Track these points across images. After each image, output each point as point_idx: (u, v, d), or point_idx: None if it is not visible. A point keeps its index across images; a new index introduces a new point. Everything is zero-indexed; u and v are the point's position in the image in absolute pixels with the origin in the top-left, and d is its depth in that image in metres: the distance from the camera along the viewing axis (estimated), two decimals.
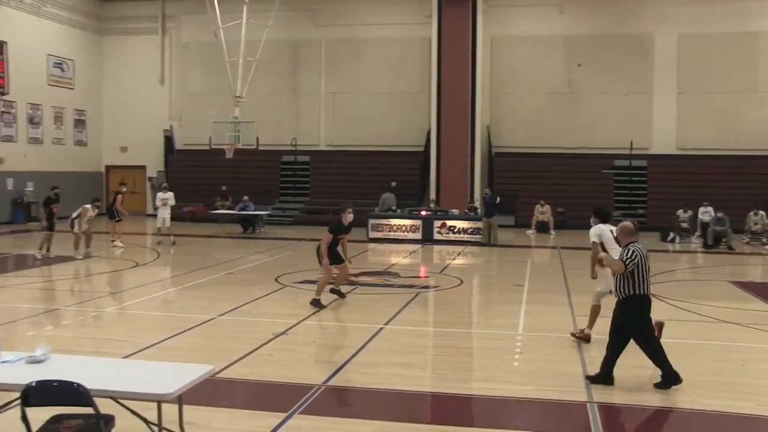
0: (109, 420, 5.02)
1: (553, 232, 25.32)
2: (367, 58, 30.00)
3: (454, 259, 19.31)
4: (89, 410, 4.82)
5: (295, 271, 15.83)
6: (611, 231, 9.67)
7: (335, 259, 12.19)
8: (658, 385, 7.61)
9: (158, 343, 9.35)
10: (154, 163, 31.94)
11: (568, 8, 28.76)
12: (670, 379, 7.59)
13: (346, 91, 30.26)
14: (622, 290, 7.68)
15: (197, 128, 29.83)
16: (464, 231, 22.60)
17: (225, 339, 9.78)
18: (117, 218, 20.40)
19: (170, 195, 21.55)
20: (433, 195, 27.20)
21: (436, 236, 22.87)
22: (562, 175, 27.70)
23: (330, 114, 30.58)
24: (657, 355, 7.68)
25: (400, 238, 22.97)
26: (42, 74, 28.96)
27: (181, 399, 5.28)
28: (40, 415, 5.03)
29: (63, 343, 8.72)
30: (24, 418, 4.95)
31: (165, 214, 21.02)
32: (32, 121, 28.52)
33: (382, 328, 10.35)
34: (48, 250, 17.73)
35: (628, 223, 8.01)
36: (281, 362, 8.59)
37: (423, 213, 23.74)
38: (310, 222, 27.43)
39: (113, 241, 20.20)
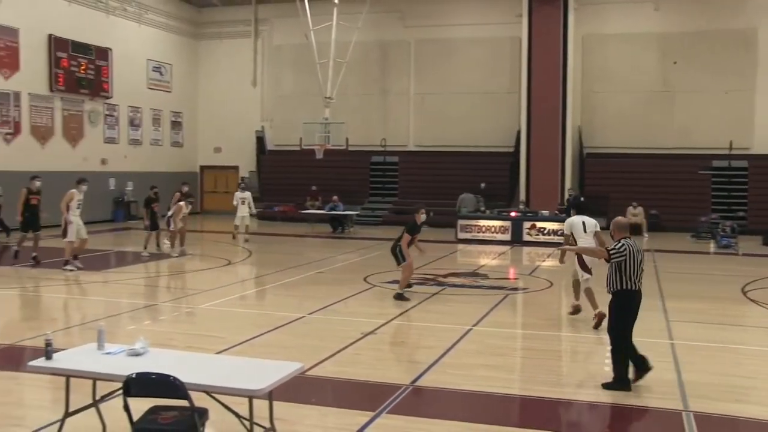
0: (203, 413, 5.17)
1: (646, 234, 24.62)
2: (456, 58, 29.90)
3: (543, 260, 19.02)
4: (184, 403, 4.97)
5: (384, 271, 15.89)
6: (583, 222, 11.20)
7: (402, 258, 12.75)
8: (606, 385, 7.61)
9: (249, 339, 9.56)
10: (246, 163, 32.73)
11: (664, 5, 27.92)
12: (623, 381, 7.57)
13: (435, 91, 30.24)
14: (612, 285, 7.77)
15: (288, 129, 30.37)
16: (554, 232, 22.24)
17: (314, 337, 9.92)
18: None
19: (248, 194, 22.00)
20: (522, 196, 26.89)
21: (526, 237, 22.58)
22: (655, 176, 26.91)
23: (419, 115, 30.62)
24: (626, 354, 7.66)
25: (488, 239, 22.79)
26: (142, 78, 30.08)
27: (272, 395, 5.39)
28: (140, 405, 5.23)
29: (159, 338, 9.02)
30: (126, 408, 5.16)
31: (243, 212, 21.44)
32: (132, 123, 29.65)
33: (470, 330, 10.30)
34: (145, 247, 18.41)
35: (621, 218, 8.19)
36: (369, 361, 8.65)
37: (512, 214, 23.49)
38: (398, 222, 27.30)
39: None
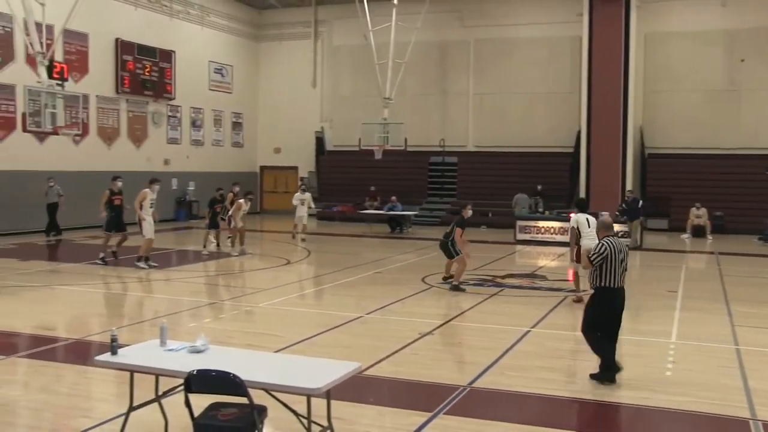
0: (262, 410, 5.22)
1: (710, 236, 24.00)
2: (515, 58, 29.64)
3: None
4: (244, 400, 5.03)
5: (442, 272, 15.85)
6: (587, 219, 12.40)
7: (455, 252, 13.57)
8: (593, 376, 7.77)
9: (308, 338, 9.64)
10: (305, 163, 33.02)
11: (731, 0, 27.19)
12: (610, 370, 7.71)
13: (494, 91, 30.03)
14: (594, 282, 7.90)
15: (347, 130, 30.53)
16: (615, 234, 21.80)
17: (372, 337, 9.94)
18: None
19: (308, 196, 22.11)
20: (582, 197, 26.48)
21: None
22: (720, 176, 26.21)
23: (478, 115, 30.45)
24: (605, 347, 7.79)
25: (547, 240, 22.53)
26: (204, 80, 30.62)
27: (330, 394, 5.42)
28: (200, 401, 5.32)
29: (219, 335, 9.17)
30: (187, 403, 5.25)
31: (302, 213, 21.54)
32: (194, 124, 30.20)
33: (528, 331, 10.20)
34: (205, 246, 18.74)
35: (605, 218, 8.48)
36: (426, 362, 8.64)
37: (572, 215, 23.10)
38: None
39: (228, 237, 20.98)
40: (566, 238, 22.27)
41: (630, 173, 26.48)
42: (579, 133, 27.53)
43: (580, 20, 27.21)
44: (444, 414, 6.75)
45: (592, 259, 7.82)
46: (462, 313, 11.48)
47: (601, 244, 7.85)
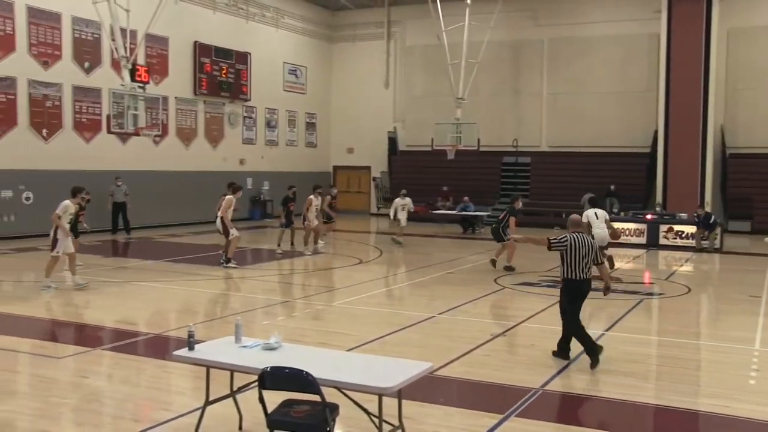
0: (334, 408, 5.27)
1: None
2: (590, 56, 29.12)
3: (681, 265, 18.23)
4: (316, 398, 5.09)
5: (514, 273, 15.71)
6: (595, 213, 14.52)
7: (504, 236, 15.40)
8: (590, 364, 8.30)
9: (379, 338, 9.68)
10: (378, 163, 33.16)
11: None
12: (594, 355, 8.35)
13: (568, 91, 29.58)
14: (561, 274, 8.66)
15: (420, 130, 30.54)
16: (693, 236, 21.25)
17: (443, 337, 9.92)
18: (331, 220, 21.16)
19: (408, 201, 21.95)
20: (659, 198, 25.86)
21: (662, 241, 21.69)
22: None
23: (552, 115, 30.05)
24: (578, 334, 8.52)
25: (622, 242, 22.04)
26: (278, 81, 31.08)
27: (401, 393, 5.44)
28: (273, 397, 5.40)
29: (292, 333, 9.29)
30: (261, 400, 5.34)
31: (402, 216, 21.33)
32: (269, 125, 30.69)
33: (602, 335, 10.01)
34: (279, 245, 19.02)
35: (575, 216, 9.17)
36: (498, 363, 8.57)
37: (648, 217, 22.61)
38: (530, 223, 27.07)
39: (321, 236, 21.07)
40: (642, 240, 21.92)
41: (710, 174, 25.70)
42: (656, 132, 26.86)
43: (658, 17, 26.55)
44: (515, 416, 6.68)
45: (552, 243, 8.60)
46: (534, 314, 11.35)
47: (563, 236, 8.58)
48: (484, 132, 27.49)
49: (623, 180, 26.77)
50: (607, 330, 10.33)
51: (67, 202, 13.17)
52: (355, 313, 11.69)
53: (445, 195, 27.93)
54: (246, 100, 29.00)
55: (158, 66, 24.92)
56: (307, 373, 4.99)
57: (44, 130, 21.39)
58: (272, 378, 5.13)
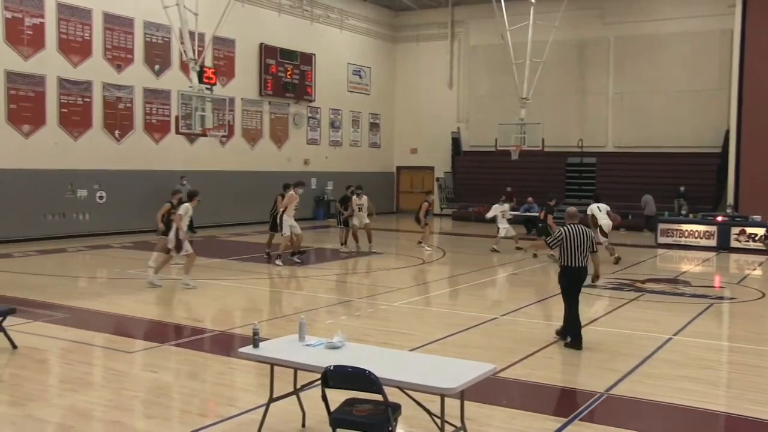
0: (396, 408, 5.28)
1: None
2: (658, 54, 28.49)
3: (754, 269, 17.68)
4: (378, 397, 5.11)
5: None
6: (598, 207, 17.71)
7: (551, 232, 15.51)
8: (566, 344, 9.25)
9: (442, 338, 9.66)
10: (441, 164, 33.09)
11: None
12: (573, 338, 9.23)
13: (635, 90, 29.00)
14: (559, 263, 9.44)
15: (483, 130, 30.37)
16: (765, 238, 20.57)
17: (506, 339, 9.84)
18: (425, 223, 21.04)
19: (507, 206, 21.66)
20: (730, 199, 25.14)
21: (734, 244, 21.06)
22: None
23: (618, 114, 29.50)
24: (571, 319, 9.33)
25: (691, 244, 21.52)
26: (343, 82, 31.29)
27: (463, 394, 5.42)
28: (336, 396, 5.45)
29: (355, 332, 9.34)
30: (324, 398, 5.40)
31: (504, 224, 20.87)
32: (333, 125, 30.93)
33: (670, 339, 9.79)
34: (343, 243, 19.14)
35: (571, 209, 9.87)
36: (562, 366, 8.46)
37: (719, 219, 21.99)
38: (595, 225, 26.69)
39: (420, 242, 20.87)
40: (712, 243, 21.35)
41: None
42: (727, 132, 26.14)
43: (731, 12, 25.86)
44: (579, 420, 6.58)
45: (549, 242, 9.53)
46: (599, 317, 11.17)
47: (558, 231, 9.43)
48: (549, 132, 27.18)
49: (692, 181, 26.12)
50: (675, 334, 10.09)
51: (187, 204, 13.63)
52: (418, 313, 11.69)
53: (508, 195, 27.64)
54: (310, 101, 29.29)
55: (225, 68, 25.38)
56: (369, 372, 5.02)
57: (117, 131, 22.03)
58: (335, 377, 5.17)
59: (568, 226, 9.31)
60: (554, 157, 28.96)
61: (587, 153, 29.67)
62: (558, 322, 10.72)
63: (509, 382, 7.76)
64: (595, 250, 9.41)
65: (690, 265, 18.21)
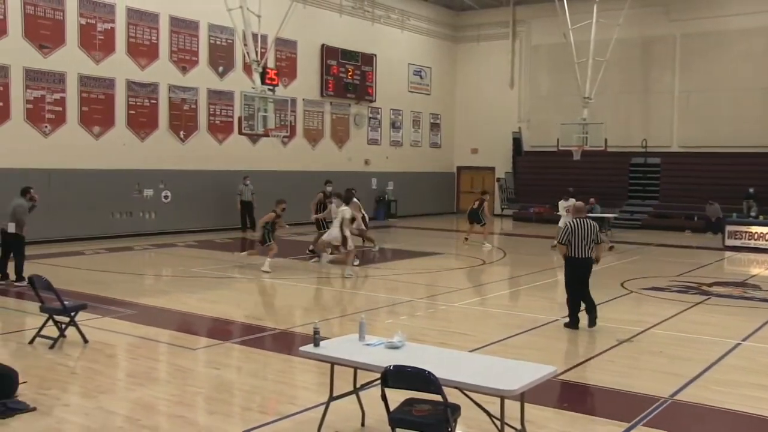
0: (456, 409, 5.26)
1: None
2: (726, 52, 27.70)
3: None
4: (437, 397, 5.11)
5: (643, 277, 15.20)
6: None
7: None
8: (566, 324, 10.27)
9: (502, 340, 9.59)
10: (502, 164, 32.84)
11: None
12: (573, 322, 10.22)
13: (701, 88, 28.25)
14: (566, 252, 10.18)
15: (545, 130, 30.03)
16: None
17: (567, 341, 9.72)
18: (483, 222, 21.01)
19: (572, 202, 21.41)
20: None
21: None
22: None
23: (683, 113, 28.79)
24: (576, 305, 10.27)
25: (762, 247, 20.86)
26: (403, 82, 31.32)
27: (524, 397, 5.38)
28: (395, 395, 5.46)
29: (415, 332, 9.34)
30: (383, 397, 5.42)
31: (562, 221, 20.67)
32: (394, 126, 30.99)
33: (738, 344, 9.52)
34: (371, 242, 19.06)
35: (578, 203, 11.25)
36: (624, 370, 8.31)
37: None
38: (659, 226, 26.19)
39: (466, 239, 20.91)
40: None
41: None
42: None
43: None
44: (643, 425, 6.45)
45: (560, 240, 10.30)
46: (663, 320, 10.93)
47: (565, 226, 10.38)
48: (612, 132, 26.73)
49: (761, 182, 25.36)
50: (744, 340, 9.81)
51: (346, 207, 15.03)
52: (478, 314, 11.63)
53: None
54: (371, 102, 29.41)
55: (287, 69, 25.67)
56: (429, 372, 5.01)
57: (181, 132, 22.49)
58: (395, 376, 5.18)
59: (574, 220, 10.18)
60: (617, 157, 28.45)
61: (651, 153, 29.06)
62: (622, 325, 10.55)
63: (570, 384, 7.66)
64: (600, 241, 10.22)
65: (760, 268, 17.68)
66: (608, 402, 7.32)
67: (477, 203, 21.15)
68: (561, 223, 19.82)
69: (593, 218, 24.06)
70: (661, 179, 28.57)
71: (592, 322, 10.19)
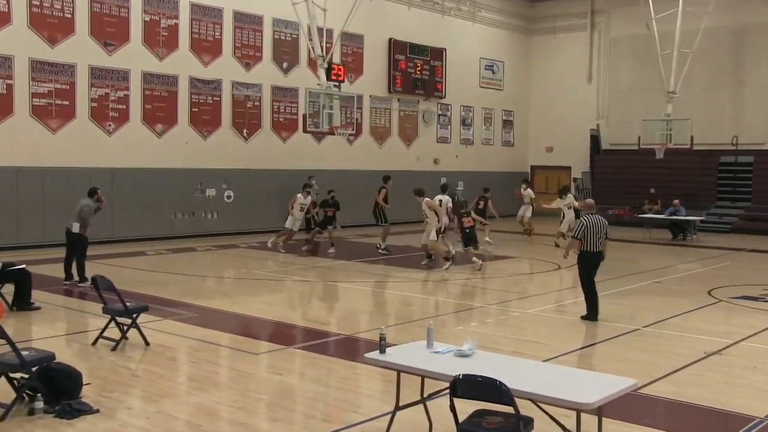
0: (529, 422, 5.20)
1: None
2: None
3: None
4: (509, 409, 5.05)
5: (732, 285, 14.75)
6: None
7: None
8: (584, 317, 11.16)
9: (578, 349, 9.46)
10: (578, 163, 32.33)
11: None
12: (592, 314, 11.11)
13: None
14: (581, 249, 11.01)
15: (625, 127, 29.47)
16: None
17: (648, 352, 9.50)
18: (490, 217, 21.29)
19: (529, 192, 21.90)
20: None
21: None
22: None
23: None
24: (595, 296, 11.18)
25: None
26: (474, 77, 31.16)
27: (601, 411, 5.27)
28: (464, 406, 5.42)
29: (485, 340, 9.27)
30: (452, 408, 5.38)
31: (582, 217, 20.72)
32: (464, 123, 30.86)
33: None
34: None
35: (589, 200, 12.12)
36: (713, 385, 8.07)
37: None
38: (751, 230, 25.37)
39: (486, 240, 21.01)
40: None
41: None
42: None
43: None
44: None
45: (574, 234, 11.11)
46: (757, 333, 10.58)
47: (579, 221, 11.13)
48: (699, 129, 26.02)
49: None
50: None
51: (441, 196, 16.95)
52: (552, 321, 11.48)
53: (652, 198, 26.76)
54: (441, 98, 29.35)
55: (353, 64, 25.83)
56: (500, 382, 4.97)
57: (245, 130, 22.86)
58: (464, 386, 5.15)
59: (587, 216, 10.96)
60: (704, 155, 27.69)
61: (743, 151, 28.17)
62: (709, 336, 10.29)
63: (652, 399, 7.48)
64: (608, 237, 11.11)
65: None
66: (695, 420, 7.12)
67: (482, 203, 21.19)
68: (567, 220, 20.73)
69: (679, 221, 23.89)
70: (753, 179, 27.68)
71: (593, 316, 11.21)
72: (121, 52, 20.00)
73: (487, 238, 20.85)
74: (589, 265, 11.08)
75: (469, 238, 16.72)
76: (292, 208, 18.71)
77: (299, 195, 18.89)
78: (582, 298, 11.33)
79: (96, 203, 13.79)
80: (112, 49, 19.81)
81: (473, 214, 17.97)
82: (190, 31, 21.42)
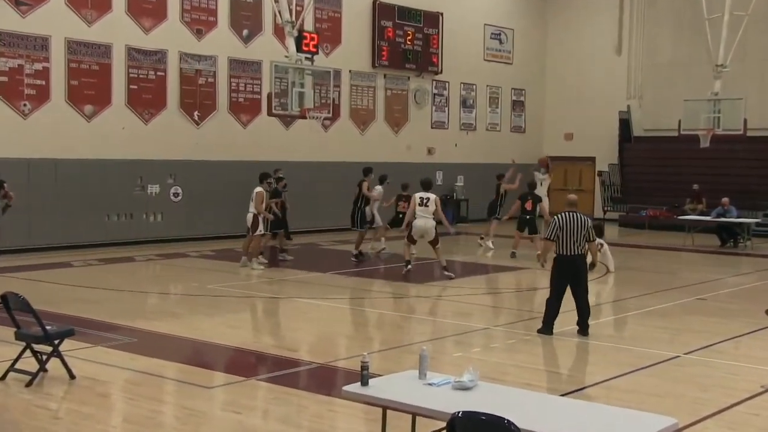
0: None
1: None
2: None
3: None
4: None
5: None
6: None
7: None
8: (539, 330, 11.71)
9: (605, 381, 9.48)
10: (604, 153, 32.40)
11: None
12: (546, 328, 11.62)
13: None
14: (555, 252, 11.42)
15: (663, 108, 29.68)
16: None
17: (692, 385, 9.55)
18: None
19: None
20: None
21: None
22: None
23: None
24: (556, 310, 11.56)
25: None
26: (478, 48, 31.23)
27: None
28: None
29: (490, 369, 9.29)
30: None
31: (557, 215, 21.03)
32: (465, 104, 30.94)
33: None
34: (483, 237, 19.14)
35: (570, 195, 12.41)
36: None
37: None
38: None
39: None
40: None
41: None
42: None
43: None
44: None
45: (546, 237, 11.73)
46: None
47: (552, 220, 11.52)
48: (755, 111, 26.21)
49: None
50: None
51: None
52: (572, 346, 11.53)
53: (696, 196, 26.92)
54: (436, 73, 29.41)
55: (329, 32, 25.82)
56: (508, 421, 4.97)
57: (196, 113, 22.81)
58: (465, 425, 5.15)
59: (562, 214, 11.30)
60: (761, 143, 27.90)
61: None
62: (765, 367, 10.37)
63: None
64: (592, 239, 11.46)
65: None
66: None
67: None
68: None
69: (728, 224, 24.04)
70: None
71: (584, 330, 11.55)
72: (38, 13, 19.83)
73: (489, 243, 21.33)
74: (561, 271, 11.44)
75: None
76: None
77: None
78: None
79: (3, 200, 13.62)
80: (26, 10, 19.65)
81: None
82: None
